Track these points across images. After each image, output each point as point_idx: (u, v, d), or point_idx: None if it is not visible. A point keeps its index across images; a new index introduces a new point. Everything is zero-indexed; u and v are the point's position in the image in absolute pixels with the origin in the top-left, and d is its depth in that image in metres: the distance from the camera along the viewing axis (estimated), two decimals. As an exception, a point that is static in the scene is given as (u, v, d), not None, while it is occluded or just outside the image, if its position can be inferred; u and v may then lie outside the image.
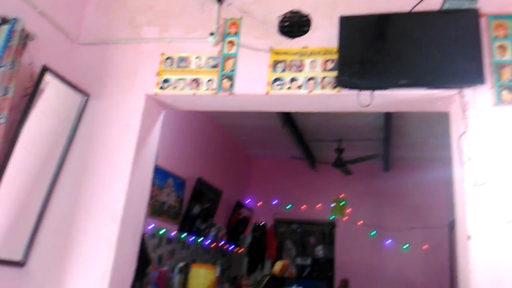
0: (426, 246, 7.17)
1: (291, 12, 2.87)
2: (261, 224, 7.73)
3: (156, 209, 4.50)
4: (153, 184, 4.29)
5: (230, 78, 2.82)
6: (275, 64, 2.78)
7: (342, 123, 5.94)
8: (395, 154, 7.00)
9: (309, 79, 2.71)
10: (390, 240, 7.38)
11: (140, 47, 3.02)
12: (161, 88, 2.91)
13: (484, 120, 2.41)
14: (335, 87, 2.65)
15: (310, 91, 2.69)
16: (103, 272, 2.62)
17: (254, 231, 7.67)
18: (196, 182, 5.38)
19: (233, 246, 7.01)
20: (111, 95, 2.97)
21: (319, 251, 8.11)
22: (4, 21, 2.36)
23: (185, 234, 5.19)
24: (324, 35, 2.76)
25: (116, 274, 2.66)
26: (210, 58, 2.89)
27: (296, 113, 5.59)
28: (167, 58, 2.96)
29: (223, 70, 2.85)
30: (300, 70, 2.74)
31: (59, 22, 2.91)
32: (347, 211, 7.69)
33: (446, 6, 2.50)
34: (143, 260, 3.58)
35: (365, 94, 2.58)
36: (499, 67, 2.45)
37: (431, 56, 2.47)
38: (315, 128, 6.23)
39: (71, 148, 2.88)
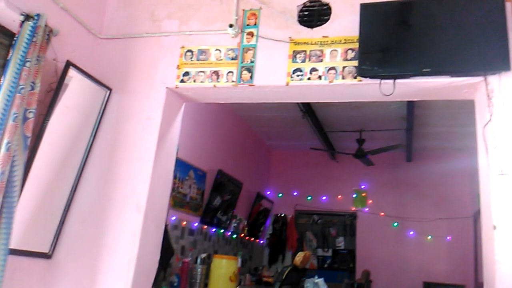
0: (450, 237, 7.08)
1: (311, 1, 2.84)
2: (281, 216, 7.75)
3: (178, 201, 4.56)
4: (175, 177, 4.35)
5: (250, 69, 2.82)
6: (294, 54, 2.76)
7: (363, 113, 5.87)
8: (418, 144, 6.90)
9: (330, 69, 2.68)
10: (413, 232, 7.30)
11: (161, 40, 3.05)
12: (181, 81, 2.93)
13: (510, 107, 2.34)
14: (356, 77, 2.61)
15: (331, 81, 2.67)
16: (128, 262, 2.68)
17: (274, 222, 7.70)
18: (216, 174, 5.42)
19: (254, 238, 7.06)
20: (132, 89, 3.01)
21: (340, 242, 8.10)
22: (28, 17, 2.41)
23: (206, 225, 5.25)
24: (344, 24, 2.72)
25: (141, 264, 2.71)
26: (229, 50, 2.90)
27: (316, 103, 5.57)
28: (187, 51, 2.97)
29: (242, 61, 2.85)
30: (321, 60, 2.71)
31: (82, 17, 2.95)
32: (369, 202, 7.64)
33: (471, -10, 2.44)
34: (167, 250, 3.63)
35: (387, 83, 2.54)
36: (526, 53, 2.38)
37: (456, 43, 2.41)
38: (335, 118, 6.19)
39: (95, 141, 2.94)
